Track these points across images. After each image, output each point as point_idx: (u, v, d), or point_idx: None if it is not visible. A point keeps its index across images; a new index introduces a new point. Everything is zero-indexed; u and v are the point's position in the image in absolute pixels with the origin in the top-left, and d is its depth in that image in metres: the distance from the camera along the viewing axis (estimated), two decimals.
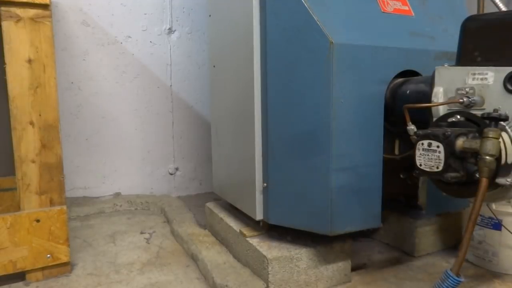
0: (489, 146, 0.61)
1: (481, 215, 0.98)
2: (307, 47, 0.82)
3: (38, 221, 0.91)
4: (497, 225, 0.96)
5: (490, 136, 0.62)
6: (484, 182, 0.62)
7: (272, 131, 0.90)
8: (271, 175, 0.91)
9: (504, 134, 0.64)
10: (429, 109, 0.76)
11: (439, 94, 0.74)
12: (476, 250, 1.01)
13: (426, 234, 1.09)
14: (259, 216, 0.95)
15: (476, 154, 0.63)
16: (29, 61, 0.89)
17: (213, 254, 1.03)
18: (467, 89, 0.69)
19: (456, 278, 0.64)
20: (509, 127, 0.64)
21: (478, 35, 0.71)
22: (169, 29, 1.57)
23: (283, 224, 0.92)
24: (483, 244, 1.00)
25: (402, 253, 1.09)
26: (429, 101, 0.75)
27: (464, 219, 1.13)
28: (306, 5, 0.80)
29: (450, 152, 0.66)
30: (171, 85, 1.60)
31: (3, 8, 0.85)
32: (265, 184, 0.93)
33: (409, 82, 0.88)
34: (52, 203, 0.94)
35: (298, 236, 0.94)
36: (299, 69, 0.83)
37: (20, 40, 0.87)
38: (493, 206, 0.95)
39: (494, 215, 0.95)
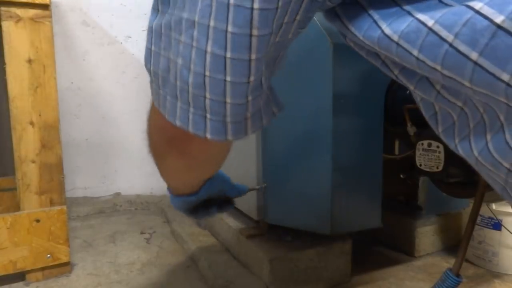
0: None
1: (481, 215, 0.98)
2: (307, 47, 0.82)
3: (38, 221, 0.91)
4: (497, 225, 0.96)
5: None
6: (483, 182, 0.62)
7: (271, 131, 0.90)
8: (270, 175, 0.91)
9: None
10: None
11: None
12: (476, 250, 1.01)
13: (426, 234, 1.09)
14: (258, 216, 0.95)
15: None
16: (29, 61, 0.89)
17: (213, 254, 1.03)
18: None
19: (456, 278, 0.64)
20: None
21: None
22: None
23: (283, 224, 0.92)
24: (483, 244, 1.00)
25: (402, 253, 1.09)
26: None
27: (464, 219, 1.13)
28: None
29: (450, 152, 0.66)
30: None
31: (3, 8, 0.85)
32: (264, 184, 0.93)
33: None
34: (52, 203, 0.94)
35: (298, 236, 0.94)
36: (298, 69, 0.84)
37: (20, 40, 0.87)
38: (493, 206, 0.95)
39: (494, 215, 0.94)
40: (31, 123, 0.90)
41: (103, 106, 1.50)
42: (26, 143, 0.90)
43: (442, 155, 0.68)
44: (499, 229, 0.96)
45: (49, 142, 0.92)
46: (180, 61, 0.32)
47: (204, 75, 0.31)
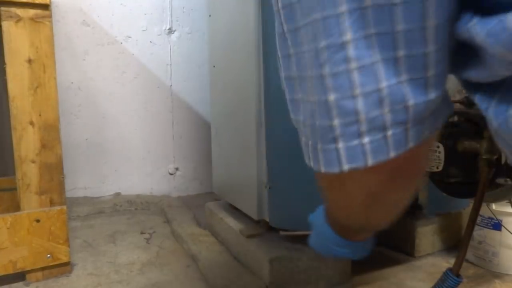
0: (489, 146, 0.62)
1: (481, 215, 0.98)
2: None
3: (38, 221, 0.91)
4: (497, 225, 0.96)
5: (490, 136, 0.62)
6: (483, 182, 0.62)
7: (274, 131, 0.90)
8: (275, 177, 0.91)
9: None
10: None
11: None
12: (476, 251, 1.01)
13: (426, 234, 1.09)
14: (259, 216, 0.95)
15: (476, 154, 0.63)
16: (29, 61, 0.89)
17: (213, 254, 1.03)
18: None
19: (456, 278, 0.64)
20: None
21: None
22: (169, 29, 1.57)
23: (288, 227, 0.91)
24: (483, 244, 1.00)
25: (402, 253, 1.09)
26: None
27: (464, 219, 1.13)
28: None
29: (450, 152, 0.66)
30: (171, 85, 1.60)
31: (3, 8, 0.85)
32: (269, 187, 0.92)
33: None
34: (52, 203, 0.94)
35: (298, 236, 0.94)
36: None
37: (20, 40, 0.87)
38: (493, 206, 0.95)
39: (494, 215, 0.94)
40: (31, 123, 0.90)
41: (103, 106, 1.50)
42: (26, 143, 0.90)
43: (442, 155, 0.67)
44: (499, 229, 0.96)
45: (49, 142, 0.92)
46: (333, 96, 0.28)
47: (379, 90, 0.27)
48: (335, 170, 0.31)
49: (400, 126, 0.29)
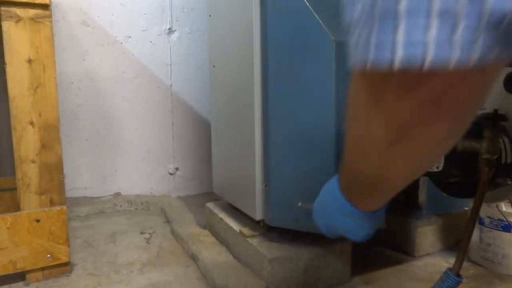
0: (489, 146, 0.62)
1: (490, 217, 0.98)
2: (308, 45, 0.81)
3: (38, 221, 0.91)
4: (507, 227, 0.95)
5: (490, 136, 0.62)
6: (483, 182, 0.62)
7: (273, 131, 0.90)
8: (272, 176, 0.91)
9: (504, 135, 0.64)
10: None
11: None
12: (485, 253, 1.00)
13: (426, 234, 1.09)
14: (259, 216, 0.95)
15: (476, 154, 0.63)
16: (29, 61, 0.89)
17: (213, 254, 1.03)
18: None
19: (456, 278, 0.64)
20: (509, 128, 0.64)
21: None
22: (169, 29, 1.57)
23: (285, 226, 0.91)
24: (492, 246, 0.99)
25: (402, 253, 1.09)
26: None
27: (464, 219, 1.13)
28: (308, 4, 0.80)
29: (450, 152, 0.66)
30: (171, 85, 1.60)
31: (3, 8, 0.85)
32: (265, 185, 0.93)
33: None
34: (52, 203, 0.94)
35: (298, 236, 0.94)
36: (300, 68, 0.83)
37: (20, 40, 0.87)
38: (503, 207, 0.94)
39: (504, 217, 0.94)
40: (31, 123, 0.90)
41: (103, 106, 1.50)
42: (26, 143, 0.90)
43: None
44: (509, 231, 0.95)
45: (49, 142, 0.92)
46: None
47: None
48: (385, 63, 0.26)
49: (470, 27, 0.24)
